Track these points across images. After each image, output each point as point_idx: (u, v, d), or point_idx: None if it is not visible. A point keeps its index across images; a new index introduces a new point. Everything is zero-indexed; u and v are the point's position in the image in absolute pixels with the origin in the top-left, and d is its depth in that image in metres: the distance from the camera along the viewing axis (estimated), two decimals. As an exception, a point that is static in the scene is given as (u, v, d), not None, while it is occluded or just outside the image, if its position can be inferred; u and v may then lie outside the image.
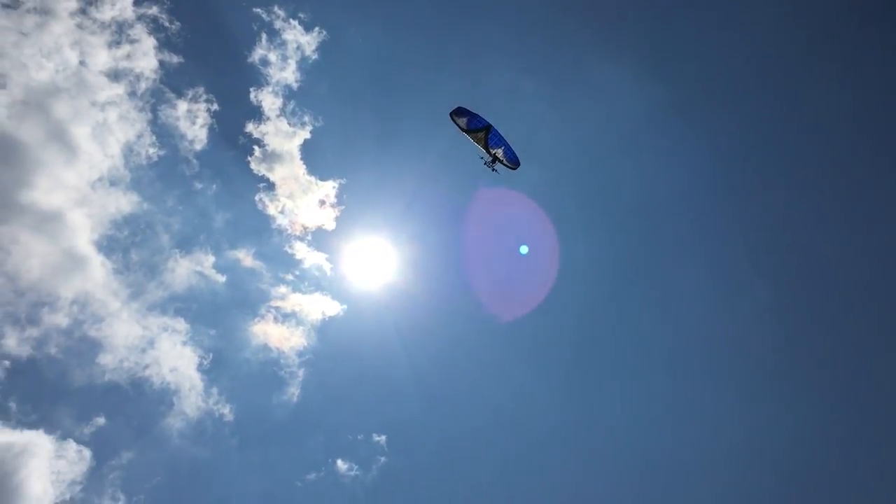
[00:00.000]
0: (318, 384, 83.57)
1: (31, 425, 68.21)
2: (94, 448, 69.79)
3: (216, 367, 79.00)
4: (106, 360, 73.78)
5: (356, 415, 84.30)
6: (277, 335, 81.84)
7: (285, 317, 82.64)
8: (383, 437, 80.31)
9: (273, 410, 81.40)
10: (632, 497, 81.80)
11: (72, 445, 68.51)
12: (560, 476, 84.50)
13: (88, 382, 73.10)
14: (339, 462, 78.25)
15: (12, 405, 68.63)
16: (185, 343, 77.36)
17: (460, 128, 40.46)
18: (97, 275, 75.60)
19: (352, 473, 78.23)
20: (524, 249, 71.63)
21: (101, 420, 71.79)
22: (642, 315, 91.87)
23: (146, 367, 74.98)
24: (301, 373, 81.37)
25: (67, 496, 67.20)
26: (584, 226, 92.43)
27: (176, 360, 76.28)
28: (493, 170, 42.60)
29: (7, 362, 69.30)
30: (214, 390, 77.30)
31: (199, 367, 77.35)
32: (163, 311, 78.14)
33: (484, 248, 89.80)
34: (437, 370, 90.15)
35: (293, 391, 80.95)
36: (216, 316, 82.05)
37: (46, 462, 66.91)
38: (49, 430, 68.38)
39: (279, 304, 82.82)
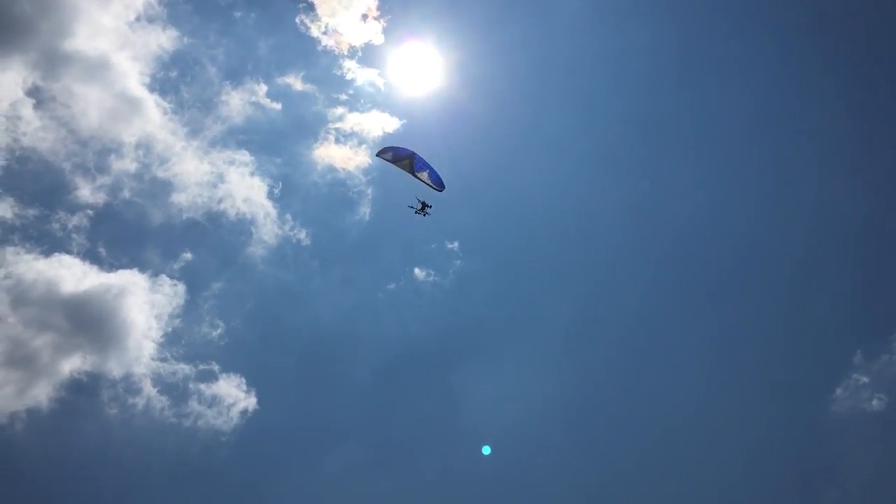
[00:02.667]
0: (387, 200, 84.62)
1: (124, 266, 71.83)
2: (187, 281, 73.36)
3: (286, 194, 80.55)
4: (180, 198, 75.84)
5: (427, 225, 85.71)
6: (341, 156, 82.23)
7: (346, 137, 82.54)
8: (456, 244, 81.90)
9: (347, 230, 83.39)
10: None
11: (165, 280, 72.07)
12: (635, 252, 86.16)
13: (167, 221, 75.80)
14: (417, 270, 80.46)
15: (101, 250, 72.00)
16: (252, 174, 78.64)
17: (388, 161, 44.05)
18: (154, 116, 76.27)
19: (430, 279, 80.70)
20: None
21: (187, 255, 74.92)
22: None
23: (220, 200, 76.89)
24: (370, 191, 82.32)
25: (170, 329, 71.46)
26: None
27: (247, 191, 77.88)
28: (425, 214, 46.85)
29: (90, 211, 72.08)
30: (288, 216, 79.13)
31: (270, 196, 78.91)
32: (225, 145, 78.99)
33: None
34: (501, 172, 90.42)
35: (364, 209, 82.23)
36: (278, 144, 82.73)
37: (145, 298, 70.81)
38: (142, 268, 71.91)
39: (338, 125, 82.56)
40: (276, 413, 72.57)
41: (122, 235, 74.70)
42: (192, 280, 74.23)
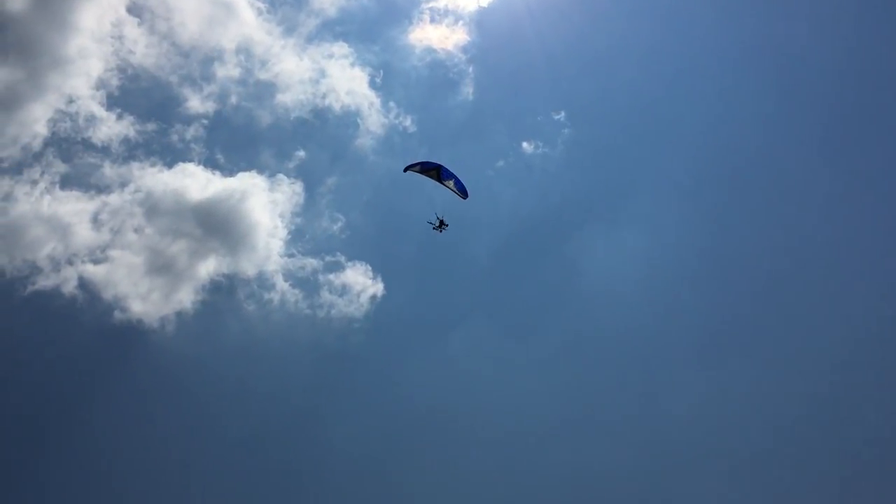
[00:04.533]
0: (489, 77, 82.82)
1: (243, 169, 74.17)
2: (303, 179, 75.19)
3: (388, 82, 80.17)
4: (285, 98, 76.82)
5: (531, 98, 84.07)
6: (438, 36, 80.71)
7: (441, 15, 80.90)
8: (562, 114, 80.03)
9: (451, 112, 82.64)
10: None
11: (283, 180, 74.03)
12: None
13: (276, 122, 77.31)
14: (525, 144, 79.32)
15: (219, 157, 74.42)
16: (352, 65, 78.32)
17: (416, 172, 46.16)
18: (249, 18, 76.84)
19: (539, 152, 79.65)
20: None
21: (300, 153, 76.58)
22: None
23: (323, 96, 77.32)
24: (470, 69, 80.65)
25: (293, 226, 73.94)
26: None
27: (348, 83, 77.86)
28: (441, 231, 48.87)
29: (204, 121, 74.39)
30: (392, 104, 78.79)
31: (372, 85, 78.59)
32: (321, 39, 78.82)
33: None
34: (600, 35, 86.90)
35: (467, 89, 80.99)
36: (374, 31, 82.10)
37: (266, 198, 73.08)
38: (259, 170, 74.05)
39: (431, 4, 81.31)
40: (403, 296, 74.66)
41: (236, 140, 77.01)
42: (308, 177, 75.98)
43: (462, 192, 46.41)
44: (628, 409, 68.25)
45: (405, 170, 46.71)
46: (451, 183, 46.25)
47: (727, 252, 76.69)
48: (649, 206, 78.89)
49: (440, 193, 46.62)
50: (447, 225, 48.79)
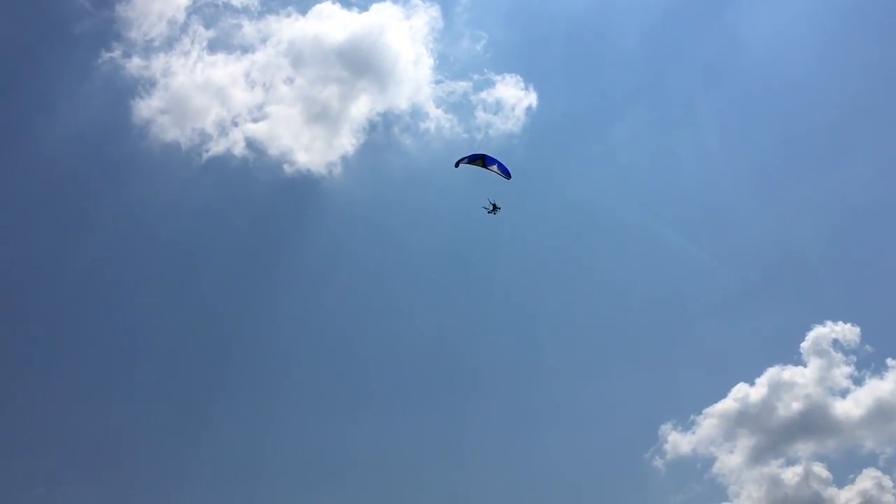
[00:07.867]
0: None
1: (377, 0, 73.44)
2: (438, 1, 74.20)
3: None
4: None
5: None
6: None
7: None
8: None
9: None
10: None
11: (418, 4, 73.31)
12: None
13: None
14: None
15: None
16: None
17: (465, 163, 49.63)
18: None
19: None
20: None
21: (428, -26, 74.76)
22: None
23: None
24: None
25: (436, 52, 73.26)
26: None
27: None
28: (494, 213, 51.75)
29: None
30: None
31: None
32: None
33: None
34: None
35: None
36: None
37: (405, 27, 72.54)
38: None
39: None
40: (558, 101, 73.77)
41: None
42: (443, -2, 74.43)
43: (505, 174, 50.03)
44: (815, 179, 65.61)
45: (456, 164, 50.17)
46: (494, 167, 49.96)
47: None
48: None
49: (489, 180, 50.21)
50: (500, 208, 51.99)
